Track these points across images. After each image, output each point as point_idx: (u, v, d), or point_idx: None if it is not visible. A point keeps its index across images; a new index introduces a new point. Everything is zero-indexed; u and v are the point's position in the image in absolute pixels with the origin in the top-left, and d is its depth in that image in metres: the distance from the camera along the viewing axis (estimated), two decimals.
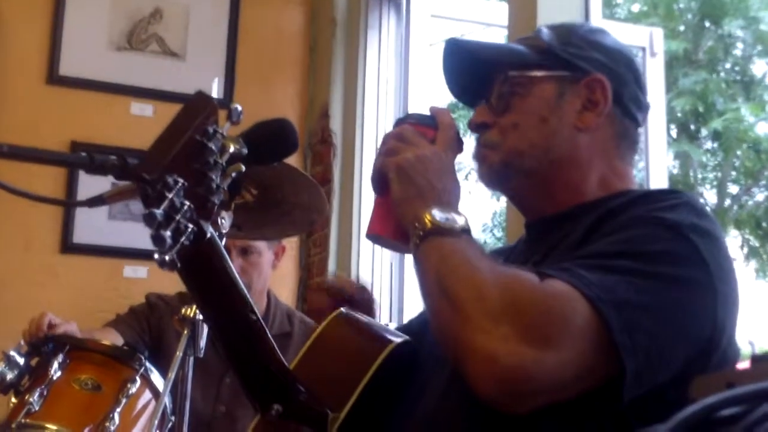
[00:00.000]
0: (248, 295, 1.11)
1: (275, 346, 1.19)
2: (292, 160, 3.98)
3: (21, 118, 3.72)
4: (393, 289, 3.56)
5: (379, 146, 1.38)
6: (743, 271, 11.21)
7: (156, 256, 0.88)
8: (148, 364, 2.20)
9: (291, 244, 3.92)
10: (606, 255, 1.16)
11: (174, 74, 3.96)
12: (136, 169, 0.87)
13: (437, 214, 1.24)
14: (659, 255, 1.16)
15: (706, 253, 1.18)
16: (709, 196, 11.77)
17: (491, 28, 3.81)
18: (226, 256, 1.04)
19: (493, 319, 1.09)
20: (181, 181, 0.89)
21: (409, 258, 3.71)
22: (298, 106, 4.14)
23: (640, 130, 1.46)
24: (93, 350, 2.21)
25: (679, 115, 10.86)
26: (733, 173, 11.61)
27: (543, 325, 1.09)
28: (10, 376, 2.14)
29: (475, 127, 1.42)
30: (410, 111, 3.59)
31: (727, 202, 11.68)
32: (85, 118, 3.79)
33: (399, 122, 1.41)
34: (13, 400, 2.14)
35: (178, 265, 0.90)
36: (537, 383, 1.08)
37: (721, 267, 1.20)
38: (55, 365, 2.14)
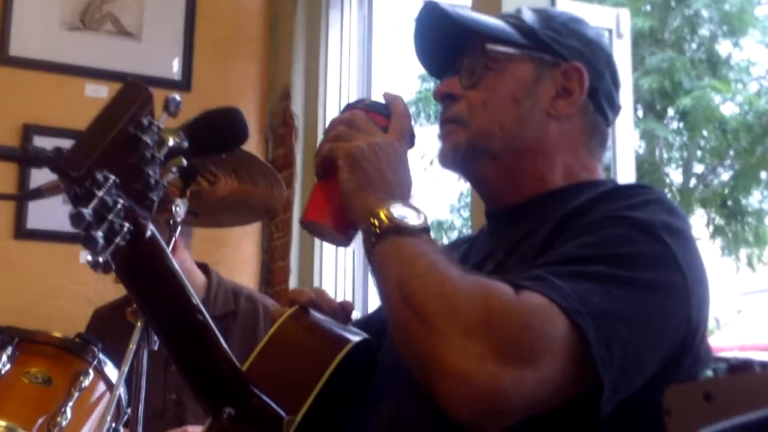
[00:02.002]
0: (194, 294, 1.04)
1: (226, 348, 1.12)
2: (253, 143, 3.93)
3: None
4: (356, 276, 3.49)
5: (325, 130, 1.30)
6: (709, 249, 11.30)
7: (88, 257, 0.81)
8: (101, 356, 2.12)
9: (254, 228, 3.85)
10: (579, 259, 1.10)
11: (130, 55, 3.85)
12: (61, 165, 0.80)
13: (394, 210, 1.16)
14: (633, 258, 1.11)
15: (680, 254, 1.14)
16: (674, 176, 11.83)
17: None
18: (169, 254, 0.98)
19: (467, 336, 1.02)
20: (112, 177, 0.82)
21: None
22: (258, 87, 4.05)
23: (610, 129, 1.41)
24: (44, 342, 2.13)
25: (645, 94, 10.87)
26: (699, 153, 11.67)
27: (521, 342, 1.02)
28: None
29: (440, 97, 1.36)
30: (363, 96, 3.54)
31: (693, 181, 11.74)
32: (37, 100, 3.67)
33: (349, 107, 1.33)
34: None
35: (113, 267, 0.83)
36: (515, 403, 1.01)
37: (694, 268, 1.16)
38: (4, 358, 2.05)
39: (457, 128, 1.33)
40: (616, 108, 1.40)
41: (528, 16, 1.36)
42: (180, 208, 2.15)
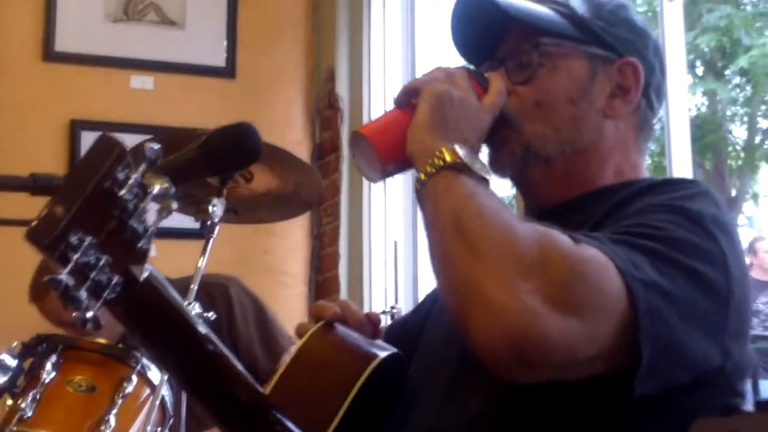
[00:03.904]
0: (201, 324, 1.02)
1: (244, 372, 1.10)
2: (300, 127, 3.90)
3: (18, 97, 3.63)
4: (405, 260, 3.45)
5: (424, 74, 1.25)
6: None
7: (75, 314, 0.81)
8: (144, 361, 2.12)
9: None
10: (629, 234, 1.05)
11: (174, 44, 3.84)
12: (29, 233, 0.78)
13: (462, 152, 1.10)
14: (682, 243, 1.05)
15: (727, 250, 1.08)
16: (738, 133, 11.54)
17: None
18: (171, 290, 0.96)
19: (521, 272, 0.96)
20: (88, 238, 0.80)
21: (422, 230, 3.59)
22: (303, 70, 4.01)
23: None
24: (87, 349, 2.13)
25: (705, 50, 10.58)
26: (763, 107, 11.34)
27: (575, 289, 0.97)
28: (2, 380, 2.07)
29: None
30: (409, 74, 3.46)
31: (758, 137, 11.44)
32: (84, 94, 3.69)
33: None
34: (9, 402, 2.07)
35: (102, 323, 0.83)
36: (554, 353, 0.95)
37: (739, 267, 1.10)
38: (48, 366, 2.07)
39: (510, 133, 1.26)
40: (662, 99, 1.34)
41: (576, 3, 1.29)
42: (217, 208, 2.14)
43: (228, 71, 3.86)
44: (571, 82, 1.25)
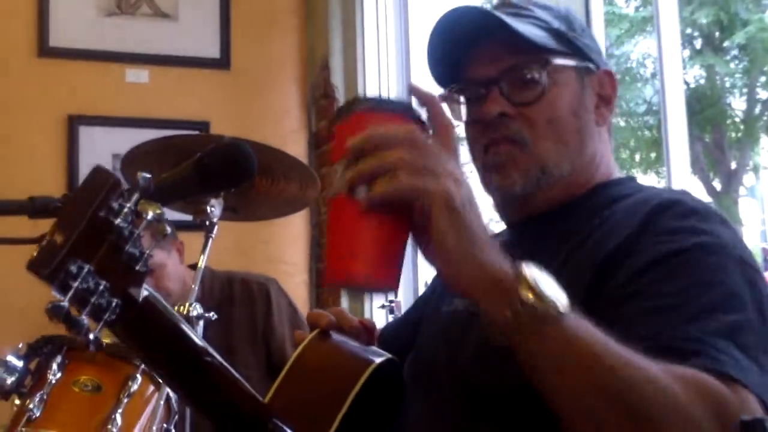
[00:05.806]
0: (200, 340, 1.05)
1: (243, 382, 1.13)
2: (295, 116, 3.90)
3: (14, 94, 3.65)
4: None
5: (372, 144, 0.95)
6: None
7: (79, 338, 0.85)
8: None
9: None
10: (712, 309, 1.01)
11: (168, 36, 3.85)
12: (29, 265, 0.83)
13: (531, 276, 0.94)
14: (743, 297, 1.05)
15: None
16: (737, 104, 11.51)
17: None
18: (168, 308, 1.00)
19: None
20: (86, 266, 0.84)
21: None
22: (298, 59, 4.02)
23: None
24: None
25: (704, 22, 10.54)
26: (762, 78, 11.31)
27: None
28: (9, 381, 2.09)
29: (496, 118, 1.24)
30: (402, 69, 3.45)
31: (758, 108, 11.41)
32: (79, 89, 3.71)
33: (377, 106, 1.01)
34: (17, 402, 2.10)
35: (103, 345, 0.87)
36: None
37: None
38: (54, 367, 2.09)
39: (516, 150, 1.24)
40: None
41: (548, 17, 1.29)
42: (215, 209, 2.16)
43: (223, 62, 3.87)
44: (571, 96, 1.26)
